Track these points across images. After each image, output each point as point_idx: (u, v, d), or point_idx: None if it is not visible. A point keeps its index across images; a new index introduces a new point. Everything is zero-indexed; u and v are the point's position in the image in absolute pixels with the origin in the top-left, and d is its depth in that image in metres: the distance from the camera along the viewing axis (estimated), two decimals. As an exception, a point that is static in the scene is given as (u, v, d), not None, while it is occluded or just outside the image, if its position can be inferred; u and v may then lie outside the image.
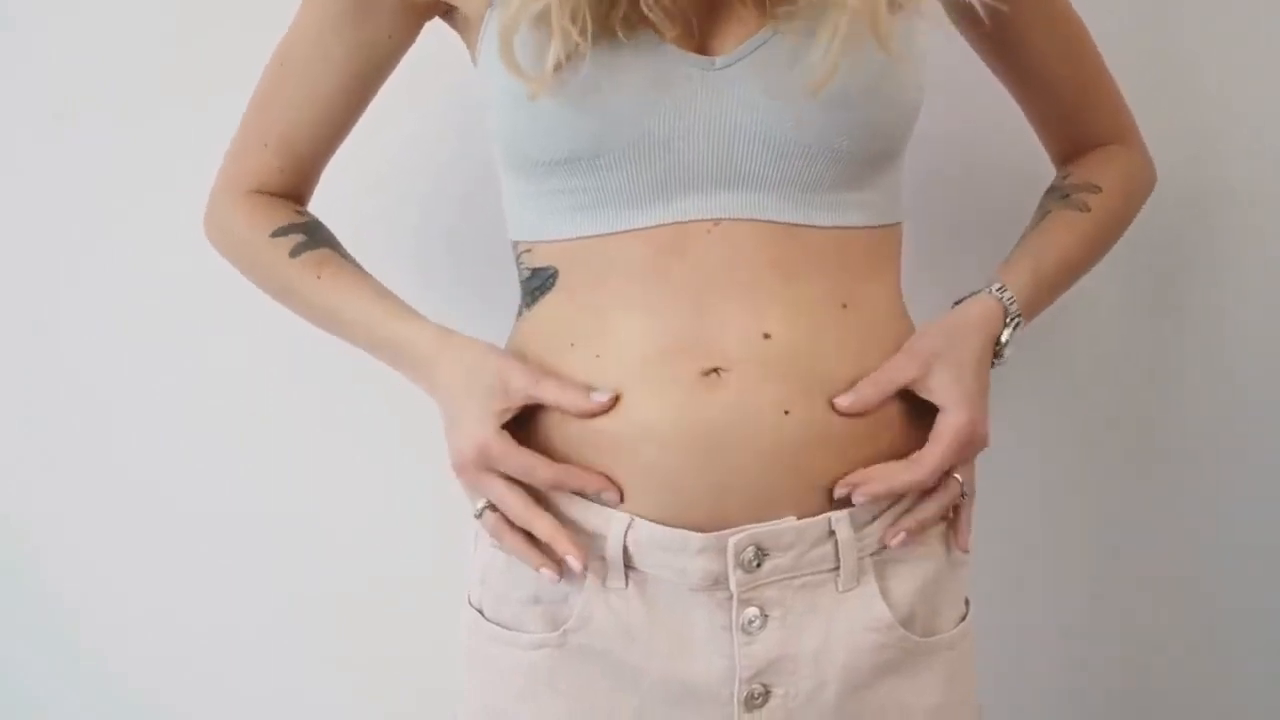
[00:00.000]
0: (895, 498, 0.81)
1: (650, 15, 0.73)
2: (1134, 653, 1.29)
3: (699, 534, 0.76)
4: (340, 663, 1.27)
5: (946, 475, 0.82)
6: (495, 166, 0.85)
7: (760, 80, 0.76)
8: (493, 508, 0.80)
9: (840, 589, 0.79)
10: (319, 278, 0.87)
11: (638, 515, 0.77)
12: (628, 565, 0.79)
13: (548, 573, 0.79)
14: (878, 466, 0.79)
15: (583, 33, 0.72)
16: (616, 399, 0.77)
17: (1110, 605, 1.28)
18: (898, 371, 0.80)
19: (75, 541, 1.24)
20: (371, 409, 1.20)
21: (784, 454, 0.76)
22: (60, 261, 1.19)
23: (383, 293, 0.87)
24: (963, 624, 0.85)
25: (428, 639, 1.14)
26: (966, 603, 0.87)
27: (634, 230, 0.77)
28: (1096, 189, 0.93)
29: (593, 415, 0.77)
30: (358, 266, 0.90)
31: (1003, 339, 0.85)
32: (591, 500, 0.79)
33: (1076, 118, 0.97)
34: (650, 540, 0.77)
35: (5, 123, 1.16)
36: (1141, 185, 0.98)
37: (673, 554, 0.77)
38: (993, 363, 0.85)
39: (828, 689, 0.79)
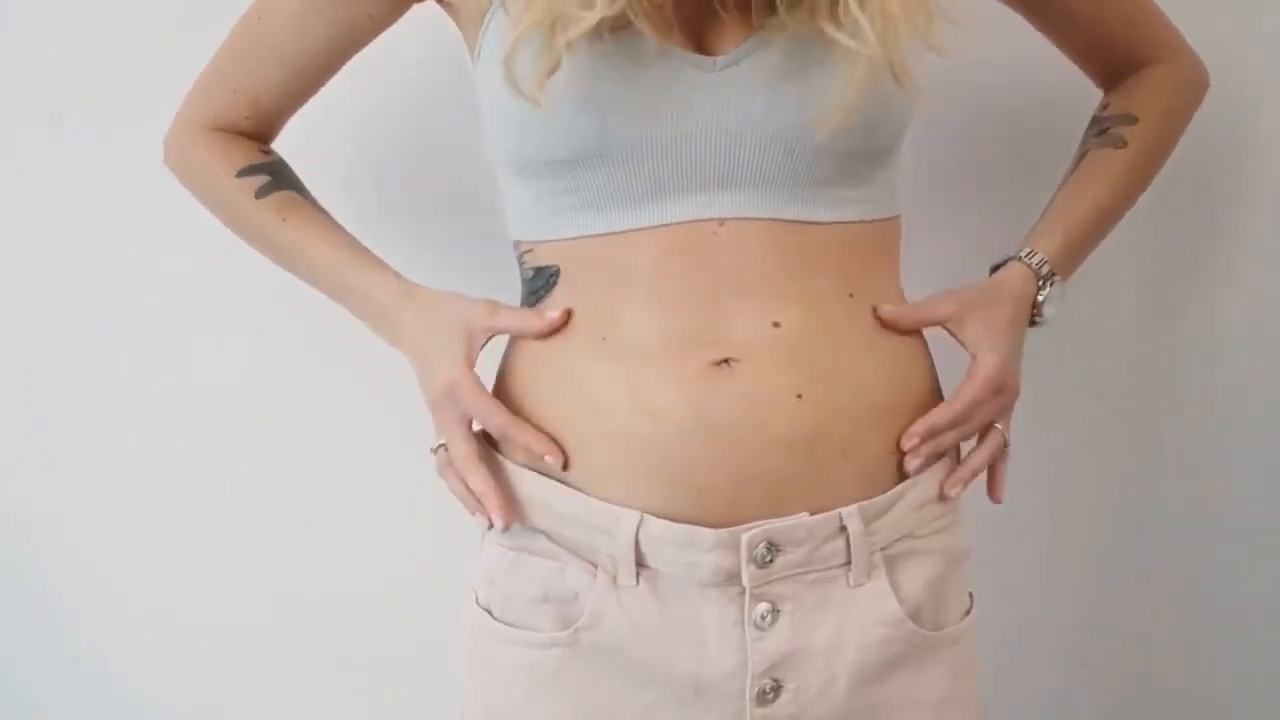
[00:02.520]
0: (940, 452, 0.83)
1: (635, 21, 0.73)
2: (1134, 650, 1.30)
3: (711, 530, 0.77)
4: (340, 663, 1.27)
5: (989, 426, 0.86)
6: (494, 165, 0.85)
7: (761, 80, 0.76)
8: (446, 447, 0.84)
9: (851, 584, 0.80)
10: (285, 220, 0.89)
11: (650, 510, 0.77)
12: (639, 562, 0.79)
13: (480, 518, 0.82)
14: (917, 422, 0.81)
15: (569, 44, 0.72)
16: (569, 314, 0.79)
17: (1111, 602, 1.28)
18: (938, 305, 0.84)
19: (75, 541, 1.24)
20: (371, 409, 1.20)
21: (797, 438, 0.76)
22: (60, 262, 1.18)
23: (347, 242, 0.89)
24: (967, 618, 0.86)
25: (428, 639, 1.13)
26: (970, 597, 0.88)
27: (639, 230, 0.78)
28: (1133, 120, 0.94)
29: (549, 334, 0.80)
30: (323, 212, 0.91)
31: (1039, 299, 0.87)
32: (539, 464, 0.80)
33: (1105, 42, 0.96)
34: (662, 537, 0.78)
35: (4, 123, 1.16)
36: (1185, 102, 0.98)
37: (684, 550, 0.77)
38: (1034, 321, 0.88)
39: (838, 683, 0.80)
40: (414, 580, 1.23)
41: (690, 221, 0.77)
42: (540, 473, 0.81)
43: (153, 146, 1.14)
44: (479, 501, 0.82)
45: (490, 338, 0.83)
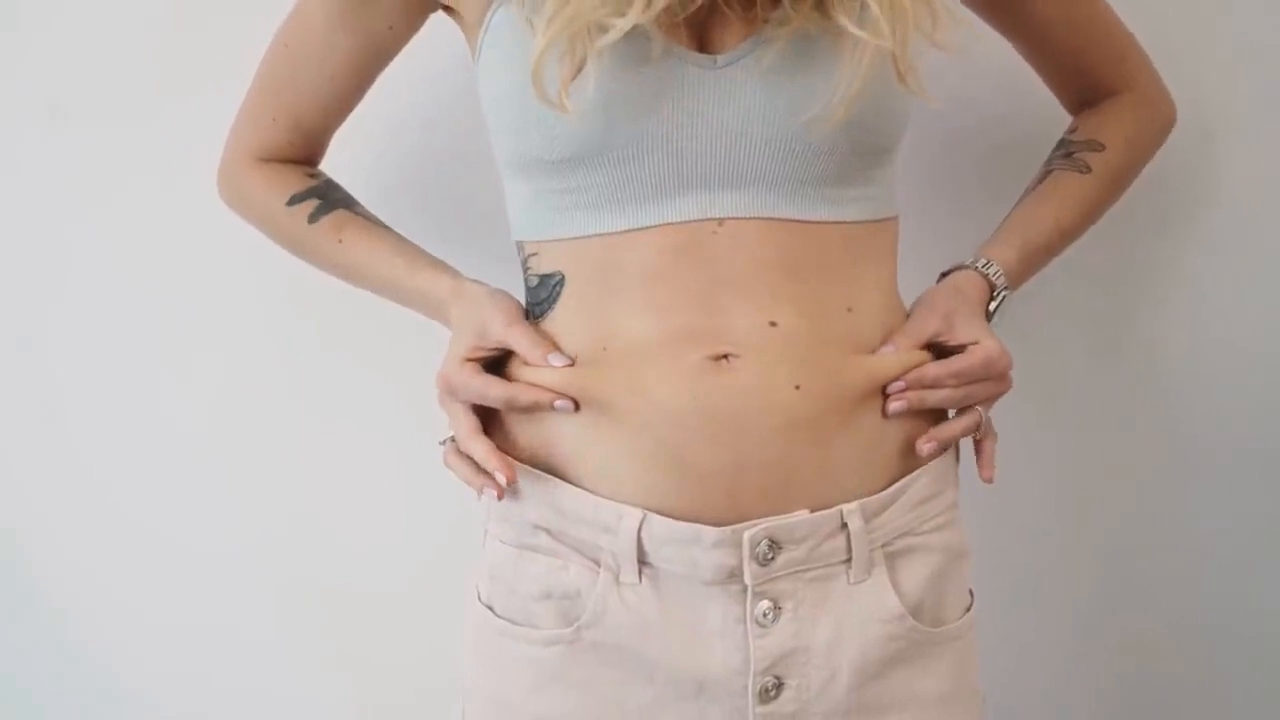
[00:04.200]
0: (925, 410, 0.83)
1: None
2: (1134, 650, 1.30)
3: (713, 528, 0.77)
4: (340, 662, 1.27)
5: (970, 407, 0.85)
6: (496, 166, 0.85)
7: (761, 78, 0.77)
8: (454, 440, 0.85)
9: (852, 581, 0.80)
10: (340, 241, 0.92)
11: (652, 501, 0.78)
12: (641, 560, 0.79)
13: (489, 491, 0.82)
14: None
15: (599, 51, 0.73)
16: (572, 363, 0.79)
17: (1111, 602, 1.28)
18: (925, 324, 0.84)
19: (74, 542, 1.23)
20: (371, 408, 1.20)
21: (796, 428, 0.77)
22: (56, 261, 1.18)
23: (401, 247, 0.92)
24: (967, 615, 0.86)
25: (427, 639, 1.14)
26: (971, 594, 0.88)
27: (639, 230, 0.78)
28: (1099, 147, 0.96)
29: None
30: (375, 222, 0.94)
31: (990, 309, 0.88)
32: (550, 410, 0.80)
33: (1079, 68, 0.98)
34: (664, 535, 0.78)
35: (2, 122, 1.16)
36: (1152, 132, 1.00)
37: (686, 548, 0.78)
38: None
39: (839, 680, 0.80)
40: (414, 580, 1.23)
41: (690, 221, 0.78)
42: (543, 470, 0.81)
43: (151, 146, 1.15)
44: (483, 474, 0.82)
45: (498, 350, 0.84)
